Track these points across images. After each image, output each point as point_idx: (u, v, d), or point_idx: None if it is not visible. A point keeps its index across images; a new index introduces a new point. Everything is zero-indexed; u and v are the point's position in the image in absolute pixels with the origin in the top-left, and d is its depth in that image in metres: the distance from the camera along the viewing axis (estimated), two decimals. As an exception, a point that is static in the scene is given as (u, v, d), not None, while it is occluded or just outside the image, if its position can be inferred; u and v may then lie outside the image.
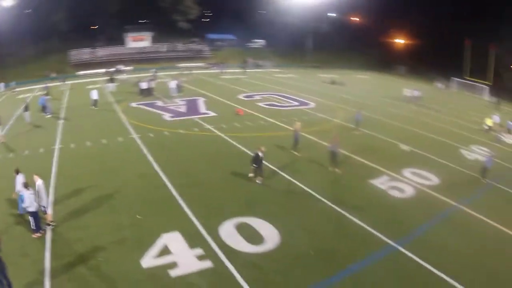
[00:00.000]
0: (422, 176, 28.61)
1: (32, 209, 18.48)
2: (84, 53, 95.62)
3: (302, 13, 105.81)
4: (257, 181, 25.45)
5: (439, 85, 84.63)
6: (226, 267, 16.66)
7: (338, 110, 50.48)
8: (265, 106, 51.33)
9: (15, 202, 20.84)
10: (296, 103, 54.36)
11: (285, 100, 56.05)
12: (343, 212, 22.25)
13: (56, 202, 21.91)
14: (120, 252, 17.66)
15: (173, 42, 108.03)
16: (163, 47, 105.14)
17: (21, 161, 28.29)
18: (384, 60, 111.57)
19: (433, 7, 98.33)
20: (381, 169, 29.44)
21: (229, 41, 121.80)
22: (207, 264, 16.80)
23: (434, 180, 28.12)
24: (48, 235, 18.78)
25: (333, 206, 22.96)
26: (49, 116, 44.12)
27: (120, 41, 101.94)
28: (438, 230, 21.29)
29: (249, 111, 47.11)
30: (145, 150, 31.70)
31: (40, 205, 19.50)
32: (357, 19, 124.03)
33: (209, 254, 17.47)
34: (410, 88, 65.61)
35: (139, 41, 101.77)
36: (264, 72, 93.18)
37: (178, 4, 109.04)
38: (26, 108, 42.17)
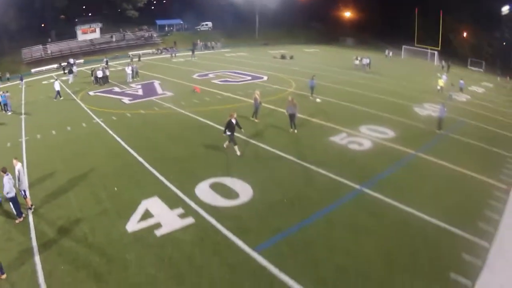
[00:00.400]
0: (378, 131, 30.07)
1: (11, 194, 18.25)
2: (36, 51, 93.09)
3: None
4: (237, 152, 25.38)
5: (389, 53, 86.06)
6: (208, 221, 17.30)
7: (291, 81, 51.43)
8: (220, 82, 51.84)
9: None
10: (249, 78, 55.07)
11: (239, 76, 56.63)
12: (309, 165, 23.26)
13: (32, 187, 21.53)
14: (104, 222, 17.85)
15: (122, 31, 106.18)
16: (113, 37, 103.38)
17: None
18: (332, 34, 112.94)
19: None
20: (339, 128, 30.64)
21: (177, 26, 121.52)
22: (189, 220, 17.37)
23: (390, 134, 29.63)
24: (30, 218, 18.64)
25: (298, 161, 23.93)
26: (10, 113, 42.96)
27: (71, 35, 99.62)
28: (399, 174, 22.80)
29: (205, 88, 47.33)
30: (111, 132, 31.58)
31: (20, 190, 19.30)
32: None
33: (189, 212, 18.03)
34: (359, 57, 67.15)
35: (89, 33, 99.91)
36: (214, 53, 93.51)
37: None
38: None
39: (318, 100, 40.06)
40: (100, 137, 31.00)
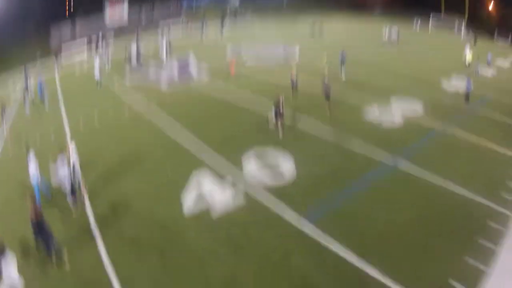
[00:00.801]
0: (409, 107, 31.95)
1: (66, 182, 20.15)
2: (64, 31, 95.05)
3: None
4: (279, 133, 27.38)
5: (417, 25, 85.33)
6: (257, 200, 19.77)
7: (323, 56, 50.79)
8: (253, 62, 53.00)
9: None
10: (281, 54, 55.87)
11: (271, 53, 57.23)
12: (345, 142, 25.63)
13: (83, 170, 22.93)
14: (161, 204, 20.32)
15: (151, 5, 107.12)
16: (141, 11, 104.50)
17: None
18: (361, 4, 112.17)
19: None
20: (372, 105, 32.57)
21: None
22: (240, 199, 19.82)
23: (420, 109, 31.52)
24: (87, 202, 20.87)
25: (336, 138, 26.38)
26: (47, 99, 44.54)
27: (98, 13, 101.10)
28: (428, 147, 25.37)
29: (239, 69, 48.19)
30: (152, 118, 33.51)
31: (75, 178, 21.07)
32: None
33: (239, 191, 20.50)
34: (387, 30, 67.31)
35: (117, 5, 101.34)
36: (244, 27, 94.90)
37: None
38: (26, 96, 43.36)
39: (343, 77, 41.50)
40: (143, 125, 32.86)
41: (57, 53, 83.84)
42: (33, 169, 21.09)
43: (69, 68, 70.12)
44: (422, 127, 27.95)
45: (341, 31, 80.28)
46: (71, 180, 20.29)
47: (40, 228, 15.81)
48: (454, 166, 22.07)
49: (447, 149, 24.64)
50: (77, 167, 21.73)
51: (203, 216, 18.76)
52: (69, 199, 20.42)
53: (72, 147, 22.27)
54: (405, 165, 22.17)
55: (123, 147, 28.66)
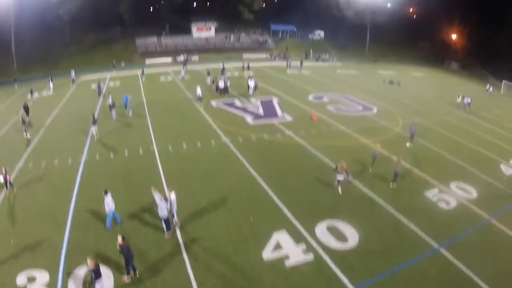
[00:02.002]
0: (464, 189, 33.20)
1: (164, 216, 24.48)
2: (150, 42, 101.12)
3: (361, 4, 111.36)
4: (339, 192, 31.04)
5: (490, 88, 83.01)
6: (323, 259, 23.24)
7: (399, 117, 53.90)
8: (334, 110, 55.98)
9: (142, 210, 27.79)
10: (360, 108, 58.53)
11: (351, 103, 60.39)
12: (402, 218, 28.24)
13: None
14: (244, 247, 24.16)
15: (237, 32, 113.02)
16: (230, 37, 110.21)
17: (124, 162, 35.38)
18: (438, 55, 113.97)
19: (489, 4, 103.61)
20: (434, 182, 34.23)
21: (290, 32, 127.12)
22: (310, 256, 23.40)
23: (474, 194, 32.62)
24: (178, 234, 25.04)
25: (395, 213, 28.93)
26: (131, 113, 50.41)
27: (185, 31, 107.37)
28: (471, 237, 26.77)
29: (321, 115, 52.20)
30: (239, 155, 37.47)
31: (171, 212, 25.29)
32: (413, 11, 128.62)
33: (310, 249, 24.07)
34: (461, 94, 66.74)
35: (204, 31, 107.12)
36: (326, 68, 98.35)
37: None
38: (113, 105, 49.11)
39: (408, 144, 42.92)
40: (230, 160, 36.88)
41: (142, 64, 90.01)
42: (109, 202, 25.58)
43: (154, 77, 76.60)
44: (471, 215, 29.48)
45: (418, 87, 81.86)
46: (167, 213, 24.80)
47: (126, 250, 20.79)
48: (487, 260, 23.99)
49: (487, 241, 26.26)
50: (175, 205, 25.57)
51: (278, 263, 22.55)
52: (164, 227, 24.95)
53: (172, 191, 26.04)
54: (445, 253, 24.38)
55: (209, 178, 33.03)
